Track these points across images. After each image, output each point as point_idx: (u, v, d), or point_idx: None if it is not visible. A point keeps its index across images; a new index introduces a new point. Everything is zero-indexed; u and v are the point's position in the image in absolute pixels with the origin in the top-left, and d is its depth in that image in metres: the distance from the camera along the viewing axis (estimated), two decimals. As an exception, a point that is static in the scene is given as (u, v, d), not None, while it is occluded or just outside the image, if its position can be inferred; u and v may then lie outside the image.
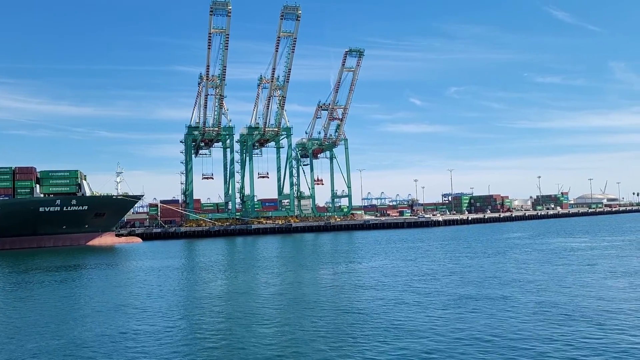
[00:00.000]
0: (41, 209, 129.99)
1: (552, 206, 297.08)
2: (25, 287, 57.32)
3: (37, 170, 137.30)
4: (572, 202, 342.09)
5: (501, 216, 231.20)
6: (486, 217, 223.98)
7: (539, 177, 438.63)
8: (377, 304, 39.19)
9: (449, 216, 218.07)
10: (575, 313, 33.56)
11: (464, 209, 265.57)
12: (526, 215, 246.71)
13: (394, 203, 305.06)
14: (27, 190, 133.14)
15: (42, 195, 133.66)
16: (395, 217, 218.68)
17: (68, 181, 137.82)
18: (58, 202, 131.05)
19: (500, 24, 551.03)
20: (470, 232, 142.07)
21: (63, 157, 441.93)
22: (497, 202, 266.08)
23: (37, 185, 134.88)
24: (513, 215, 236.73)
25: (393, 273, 57.52)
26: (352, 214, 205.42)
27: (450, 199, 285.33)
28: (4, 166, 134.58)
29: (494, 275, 52.50)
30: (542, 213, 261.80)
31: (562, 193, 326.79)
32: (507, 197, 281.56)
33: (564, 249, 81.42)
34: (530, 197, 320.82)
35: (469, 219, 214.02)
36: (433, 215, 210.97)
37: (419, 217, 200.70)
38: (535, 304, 36.92)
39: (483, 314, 34.26)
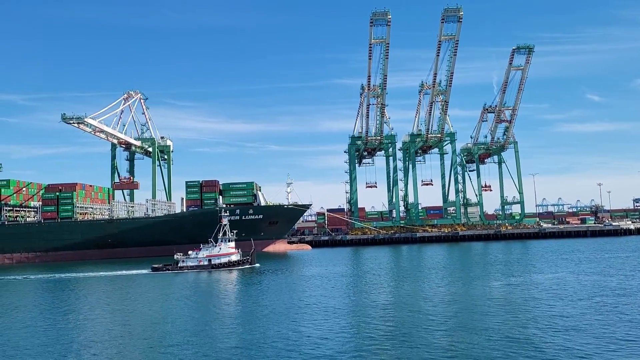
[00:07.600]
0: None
1: None
2: (214, 288, 63.56)
3: (220, 183, 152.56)
4: None
5: None
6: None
7: None
8: (554, 326, 35.19)
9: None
10: None
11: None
12: None
13: (574, 210, 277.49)
14: (212, 201, 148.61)
15: (224, 206, 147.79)
16: (576, 225, 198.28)
17: (245, 192, 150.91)
18: (238, 211, 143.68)
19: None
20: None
21: (240, 170, 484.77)
22: None
23: (220, 197, 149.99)
24: None
25: (574, 289, 51.56)
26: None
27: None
28: (193, 180, 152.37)
29: None
30: None
31: None
32: None
33: None
34: None
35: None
36: (623, 223, 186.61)
37: (605, 225, 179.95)
38: None
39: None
